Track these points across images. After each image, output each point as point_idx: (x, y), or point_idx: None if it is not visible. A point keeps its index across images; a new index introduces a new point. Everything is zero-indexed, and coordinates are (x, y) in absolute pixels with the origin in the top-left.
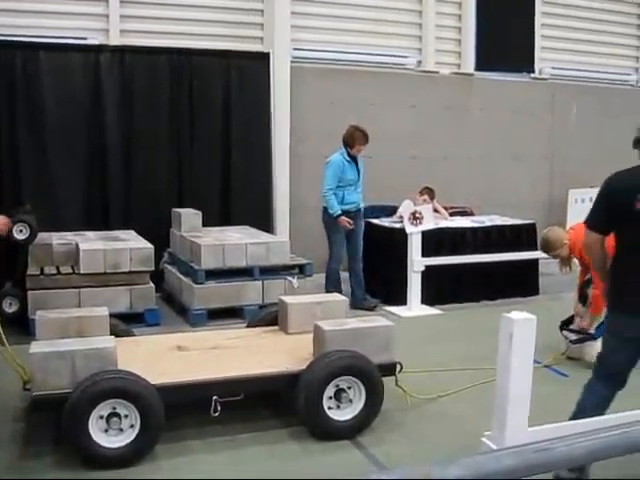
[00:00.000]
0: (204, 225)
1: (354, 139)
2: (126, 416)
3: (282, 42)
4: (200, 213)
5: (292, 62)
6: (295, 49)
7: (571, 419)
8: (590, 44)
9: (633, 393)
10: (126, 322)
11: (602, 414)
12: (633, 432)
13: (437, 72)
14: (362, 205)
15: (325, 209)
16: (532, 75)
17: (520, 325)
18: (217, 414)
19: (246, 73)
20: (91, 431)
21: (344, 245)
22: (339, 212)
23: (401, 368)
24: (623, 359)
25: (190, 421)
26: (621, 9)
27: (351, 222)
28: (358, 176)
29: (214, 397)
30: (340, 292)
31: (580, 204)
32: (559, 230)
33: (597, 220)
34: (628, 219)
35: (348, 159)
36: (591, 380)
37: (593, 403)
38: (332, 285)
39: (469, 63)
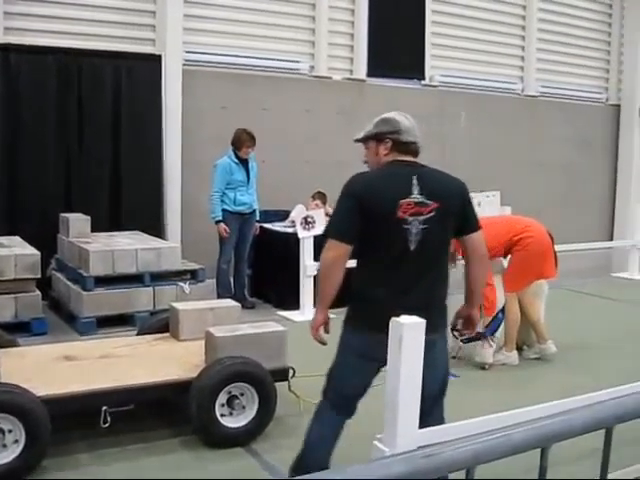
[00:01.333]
0: (93, 230)
1: (241, 141)
2: (10, 431)
3: (174, 44)
4: (89, 218)
5: (184, 65)
6: (188, 52)
7: (298, 458)
8: (478, 53)
9: (514, 389)
10: (11, 332)
11: (330, 450)
12: (515, 434)
13: (330, 77)
14: (256, 206)
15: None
16: (423, 82)
17: (409, 329)
18: (107, 425)
19: (137, 75)
20: None
21: (233, 245)
22: (219, 218)
23: (294, 373)
24: (361, 382)
25: (79, 433)
26: (506, 20)
27: (227, 230)
28: (248, 177)
29: (104, 408)
30: (231, 292)
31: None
32: None
33: (346, 229)
34: (386, 229)
35: (236, 161)
36: (320, 408)
37: (323, 435)
38: (223, 285)
39: (361, 69)
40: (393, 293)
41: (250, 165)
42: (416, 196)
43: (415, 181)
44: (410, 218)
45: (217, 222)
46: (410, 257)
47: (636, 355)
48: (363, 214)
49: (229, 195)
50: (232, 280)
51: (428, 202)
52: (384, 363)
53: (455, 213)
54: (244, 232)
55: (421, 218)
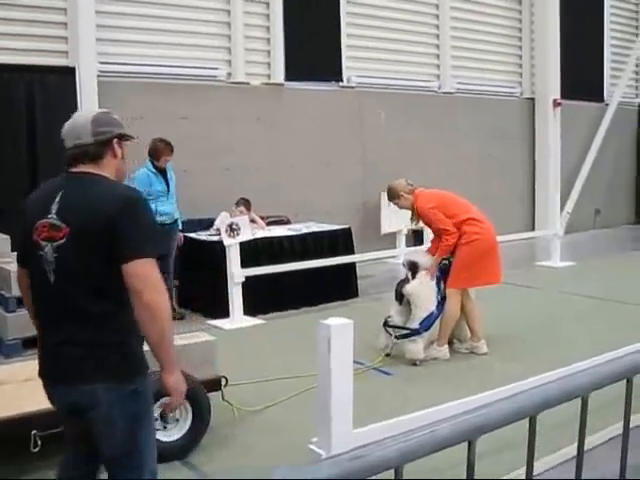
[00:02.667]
0: (13, 250)
1: (159, 151)
2: None
3: (88, 56)
4: (8, 237)
5: (99, 76)
6: (102, 63)
7: None
8: (394, 53)
9: (442, 386)
10: None
11: None
12: (441, 430)
13: (248, 83)
14: (178, 216)
15: None
16: (340, 84)
17: (337, 330)
18: (37, 449)
19: (51, 89)
20: None
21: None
22: None
23: (227, 382)
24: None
25: (8, 458)
26: (420, 20)
27: None
28: (168, 187)
29: (33, 432)
30: None
31: (393, 206)
32: (402, 182)
33: (19, 248)
34: (30, 255)
35: (154, 171)
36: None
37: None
38: None
39: (279, 73)
40: (42, 338)
41: (169, 175)
42: (52, 216)
43: (58, 198)
44: (43, 243)
45: None
46: (52, 292)
47: (565, 341)
48: None
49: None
50: None
51: (61, 225)
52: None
53: (97, 239)
54: (168, 243)
55: (55, 244)
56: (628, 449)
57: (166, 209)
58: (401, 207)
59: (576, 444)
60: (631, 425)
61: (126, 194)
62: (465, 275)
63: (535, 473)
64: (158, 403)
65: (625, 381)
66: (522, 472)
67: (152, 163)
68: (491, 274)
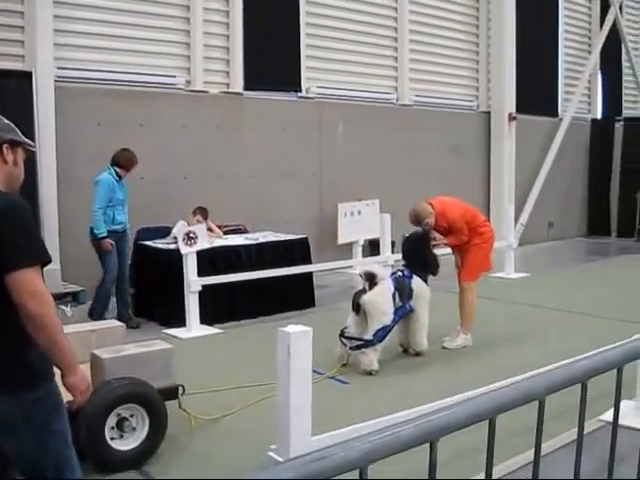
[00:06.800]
0: None
1: (131, 162)
2: None
3: (45, 61)
4: None
5: (57, 81)
6: (60, 68)
7: None
8: (353, 65)
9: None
10: None
11: None
12: (403, 431)
13: (206, 91)
14: (128, 225)
15: (92, 229)
16: (299, 94)
17: (297, 337)
18: None
19: (6, 93)
20: None
21: (117, 263)
22: (104, 234)
23: (184, 391)
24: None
25: None
26: (379, 32)
27: (113, 244)
28: (125, 196)
29: None
30: (107, 311)
31: (350, 217)
32: (423, 203)
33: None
34: None
35: (117, 179)
36: None
37: None
38: (102, 304)
39: (238, 82)
40: None
41: (123, 184)
42: None
43: None
44: None
45: (102, 238)
46: None
47: (519, 350)
48: None
49: (108, 213)
50: (117, 300)
51: None
52: None
53: None
54: (122, 250)
55: None
56: (582, 453)
57: (121, 218)
58: (430, 227)
59: (533, 449)
60: (586, 430)
61: (6, 201)
62: (483, 266)
63: (494, 477)
64: (113, 412)
65: (580, 385)
66: (482, 476)
67: (115, 171)
68: (489, 263)
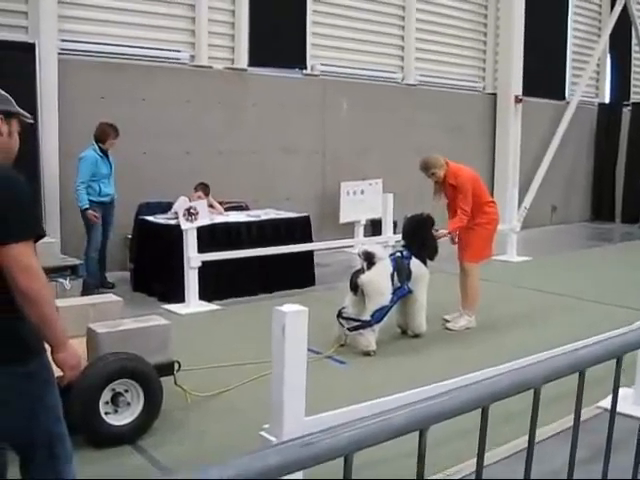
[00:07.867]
0: None
1: (106, 134)
2: None
3: (48, 32)
4: None
5: (60, 54)
6: (63, 40)
7: None
8: (359, 43)
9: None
10: None
11: None
12: (395, 418)
13: (211, 67)
14: (115, 196)
15: None
16: (304, 72)
17: (292, 317)
18: None
19: (8, 65)
20: None
21: (101, 233)
22: (86, 206)
23: (179, 367)
24: None
25: None
26: (386, 10)
27: (98, 216)
28: (111, 169)
29: None
30: (98, 280)
31: (352, 196)
32: (437, 155)
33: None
34: None
35: (100, 154)
36: None
37: None
38: (91, 273)
39: (242, 59)
40: None
41: (111, 158)
42: None
43: None
44: None
45: (85, 210)
46: None
47: (519, 335)
48: None
49: (94, 187)
50: (99, 264)
51: None
52: None
53: None
54: (108, 220)
55: None
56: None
57: (108, 190)
58: (436, 178)
59: (527, 436)
60: (582, 417)
61: (1, 174)
62: (486, 251)
63: (486, 464)
64: (108, 387)
65: (577, 374)
66: (472, 463)
67: (98, 146)
68: (491, 249)
